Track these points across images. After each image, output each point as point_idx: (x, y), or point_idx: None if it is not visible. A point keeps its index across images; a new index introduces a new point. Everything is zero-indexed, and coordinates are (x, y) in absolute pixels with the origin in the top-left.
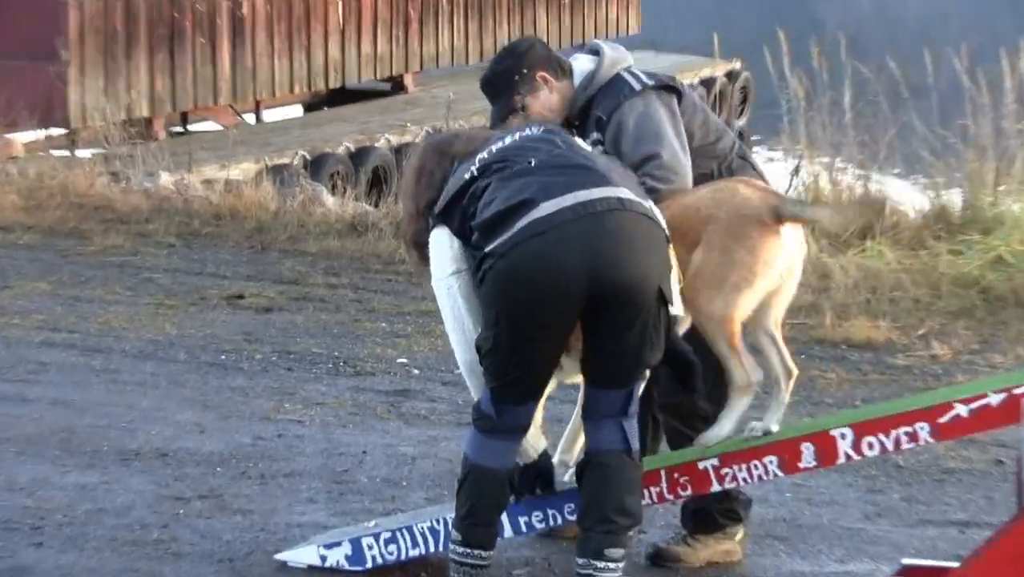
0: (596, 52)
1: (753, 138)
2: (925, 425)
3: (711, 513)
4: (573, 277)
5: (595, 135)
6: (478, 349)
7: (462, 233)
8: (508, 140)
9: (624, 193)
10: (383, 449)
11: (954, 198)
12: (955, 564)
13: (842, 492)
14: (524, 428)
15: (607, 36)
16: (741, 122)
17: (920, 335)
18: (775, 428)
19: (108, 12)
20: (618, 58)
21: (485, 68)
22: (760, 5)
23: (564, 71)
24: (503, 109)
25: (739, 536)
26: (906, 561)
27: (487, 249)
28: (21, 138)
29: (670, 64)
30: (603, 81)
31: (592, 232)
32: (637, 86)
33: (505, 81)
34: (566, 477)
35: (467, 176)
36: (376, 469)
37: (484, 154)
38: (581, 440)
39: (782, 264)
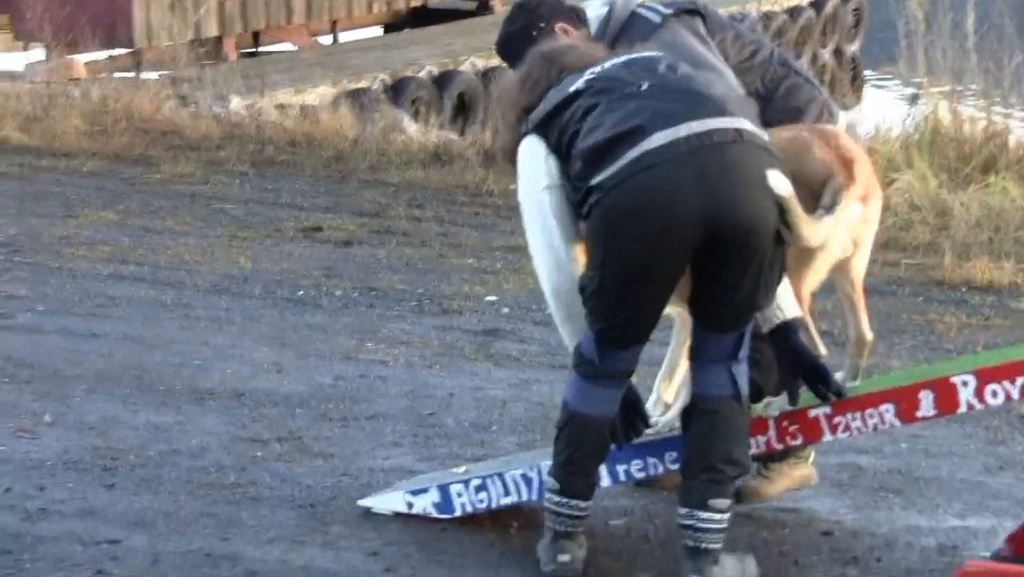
0: None
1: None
2: None
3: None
4: (688, 216)
5: None
6: (582, 289)
7: (559, 151)
8: (622, 58)
9: (743, 124)
10: (471, 392)
11: None
12: None
13: (961, 443)
14: (628, 373)
15: None
16: (854, 47)
17: None
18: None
19: None
20: None
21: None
22: None
23: (580, 19)
24: None
25: (811, 457)
26: None
27: (593, 182)
28: (83, 59)
29: None
30: (621, 22)
31: (709, 167)
32: (656, 19)
33: (523, 39)
34: (661, 422)
35: (572, 89)
36: (464, 412)
37: (596, 68)
38: (677, 378)
39: (841, 237)
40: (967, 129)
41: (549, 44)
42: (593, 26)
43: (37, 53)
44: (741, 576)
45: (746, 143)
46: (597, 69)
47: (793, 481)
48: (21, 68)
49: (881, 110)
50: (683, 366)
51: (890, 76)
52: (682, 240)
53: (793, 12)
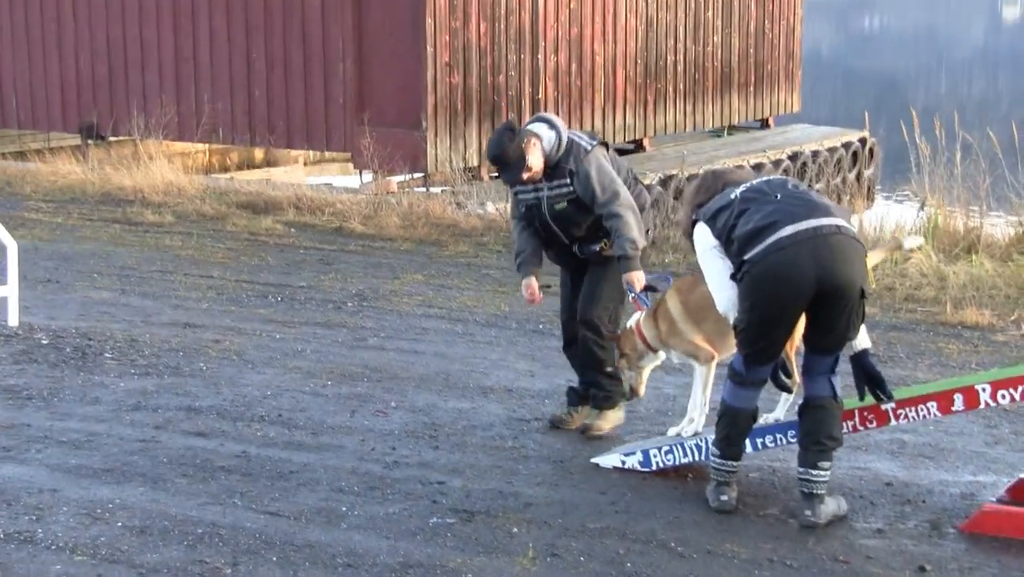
0: (548, 122)
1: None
2: None
3: (596, 397)
4: (806, 281)
5: (567, 182)
6: (735, 328)
7: (719, 237)
8: (764, 179)
9: (841, 222)
10: (651, 390)
11: None
12: None
13: (968, 427)
14: (764, 381)
15: (778, 113)
16: (869, 171)
17: (1012, 320)
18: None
19: (452, 95)
20: (564, 125)
21: (698, 135)
22: (870, 86)
23: (540, 137)
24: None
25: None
26: (1022, 475)
27: (746, 257)
28: (395, 179)
29: (822, 133)
30: (566, 145)
31: (820, 249)
32: (588, 146)
33: (506, 143)
34: (688, 429)
35: (732, 196)
36: (649, 404)
37: (748, 184)
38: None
39: None
40: (955, 225)
41: (719, 168)
42: (548, 144)
43: (367, 176)
44: (837, 510)
45: (843, 234)
46: (748, 184)
47: (617, 420)
48: (357, 186)
49: (899, 213)
50: (698, 397)
51: (898, 194)
52: (802, 296)
53: (831, 150)
